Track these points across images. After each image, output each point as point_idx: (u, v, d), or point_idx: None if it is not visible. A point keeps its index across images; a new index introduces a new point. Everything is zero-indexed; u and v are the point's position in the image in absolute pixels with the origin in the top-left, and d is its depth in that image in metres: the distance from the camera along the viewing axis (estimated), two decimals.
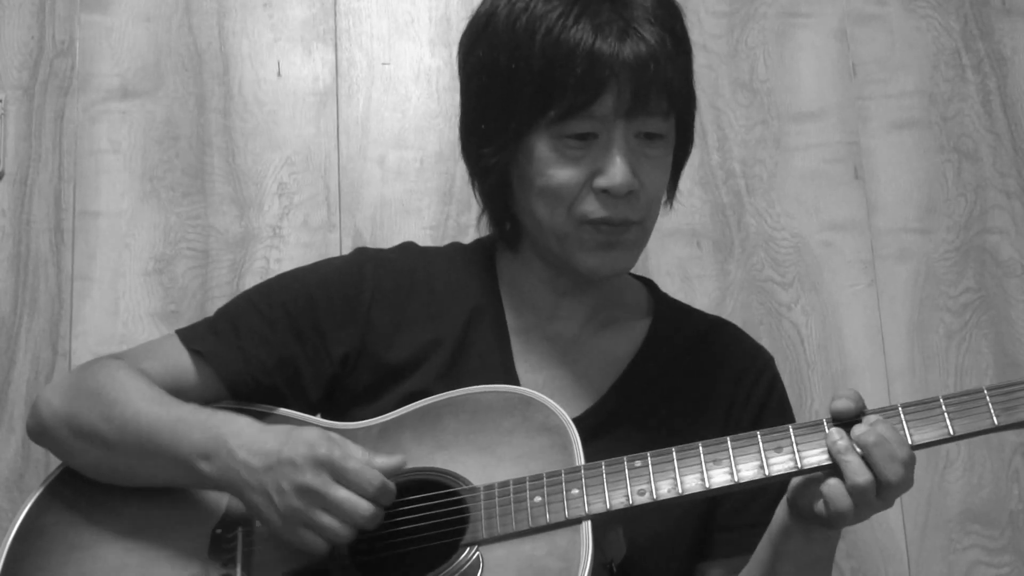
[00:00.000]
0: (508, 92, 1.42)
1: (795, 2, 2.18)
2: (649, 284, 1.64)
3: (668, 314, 1.59)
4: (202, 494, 1.40)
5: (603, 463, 1.31)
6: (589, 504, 1.28)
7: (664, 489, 1.28)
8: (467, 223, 2.02)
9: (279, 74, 2.10)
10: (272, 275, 1.62)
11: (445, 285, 1.54)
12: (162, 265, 2.01)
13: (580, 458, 1.32)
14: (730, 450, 1.29)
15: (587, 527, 1.27)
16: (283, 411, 1.47)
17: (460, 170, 2.01)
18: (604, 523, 1.29)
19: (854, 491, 1.24)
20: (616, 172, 1.39)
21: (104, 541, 1.39)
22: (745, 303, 2.05)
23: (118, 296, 1.99)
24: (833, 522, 1.27)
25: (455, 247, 1.64)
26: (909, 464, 1.25)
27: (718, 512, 1.47)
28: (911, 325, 2.06)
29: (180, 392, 1.45)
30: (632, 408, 1.48)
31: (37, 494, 1.44)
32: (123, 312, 1.99)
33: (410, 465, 1.36)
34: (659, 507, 1.28)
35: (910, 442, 1.26)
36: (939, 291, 2.08)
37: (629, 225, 1.43)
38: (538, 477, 1.31)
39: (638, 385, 1.50)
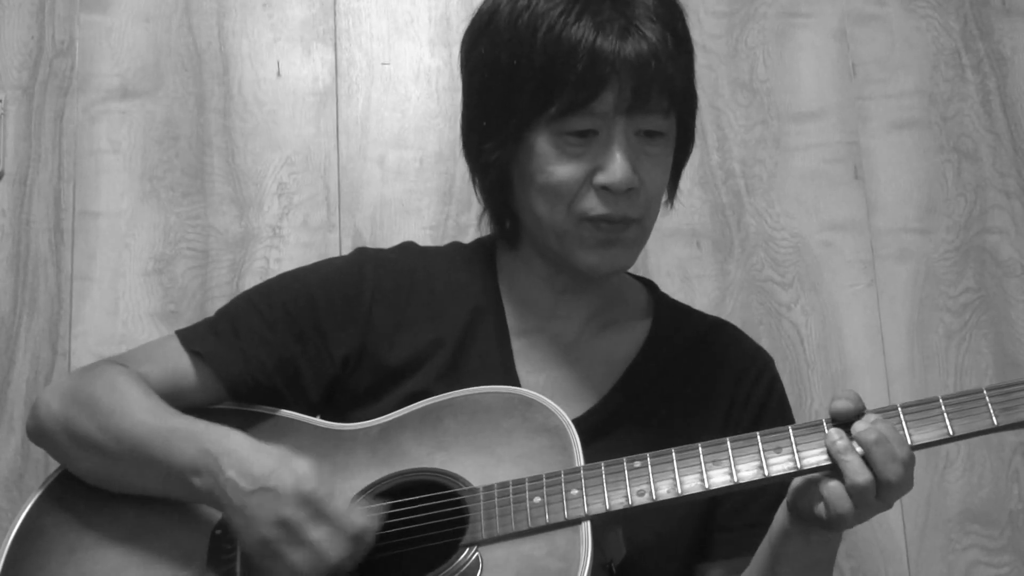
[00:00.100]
0: (509, 89, 1.42)
1: (795, 2, 2.18)
2: (649, 285, 1.64)
3: (668, 315, 1.59)
4: None
5: (602, 464, 1.31)
6: (588, 504, 1.28)
7: (663, 490, 1.28)
8: (467, 223, 2.02)
9: (279, 74, 2.10)
10: (272, 275, 1.61)
11: (445, 285, 1.54)
12: (162, 265, 2.01)
13: (580, 459, 1.32)
14: (729, 451, 1.29)
15: (586, 527, 1.27)
16: (284, 412, 1.47)
17: (460, 170, 2.02)
18: (603, 523, 1.29)
19: (854, 491, 1.24)
20: (616, 169, 1.39)
21: (104, 542, 1.39)
22: (745, 303, 2.05)
23: (118, 296, 1.99)
24: (833, 524, 1.27)
25: (455, 247, 1.64)
26: (909, 464, 1.25)
27: (718, 512, 1.47)
28: (911, 325, 2.06)
29: (180, 393, 1.45)
30: (632, 409, 1.48)
31: (37, 495, 1.44)
32: (123, 312, 1.99)
33: (410, 466, 1.36)
34: (659, 508, 1.28)
35: (910, 442, 1.26)
36: (939, 291, 2.08)
37: (629, 223, 1.43)
38: (537, 478, 1.31)
39: (638, 386, 1.50)
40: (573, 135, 1.40)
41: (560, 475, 1.31)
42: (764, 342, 1.82)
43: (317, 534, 1.25)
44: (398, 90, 2.11)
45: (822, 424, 1.29)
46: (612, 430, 1.46)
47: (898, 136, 2.14)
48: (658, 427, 1.47)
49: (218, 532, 1.37)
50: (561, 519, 1.28)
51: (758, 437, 1.29)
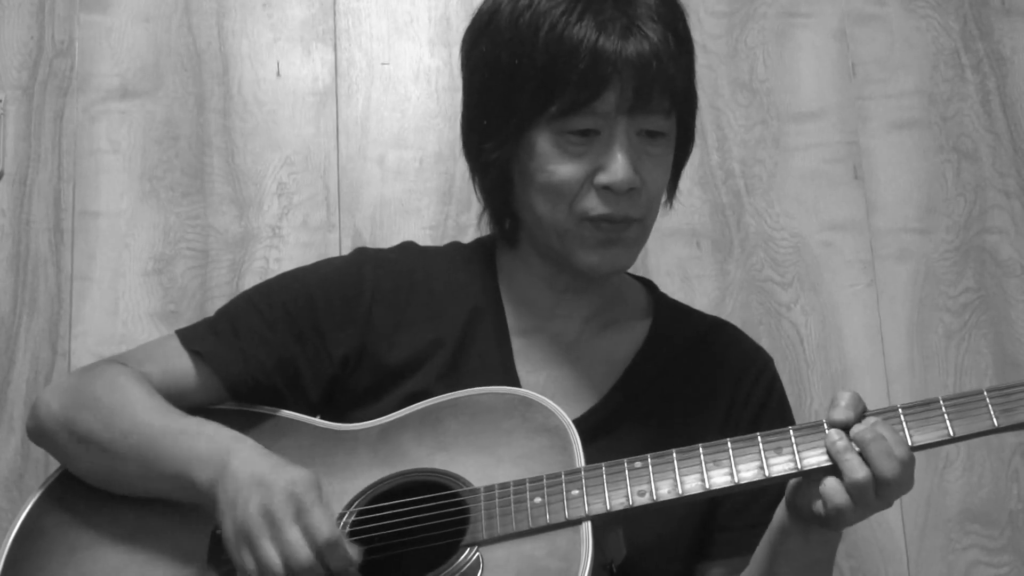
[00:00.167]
0: (510, 88, 1.42)
1: (795, 2, 2.18)
2: (649, 285, 1.64)
3: (668, 315, 1.59)
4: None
5: (603, 464, 1.31)
6: (589, 505, 1.28)
7: (664, 490, 1.28)
8: (467, 223, 2.02)
9: (278, 74, 2.10)
10: (272, 275, 1.62)
11: (445, 285, 1.54)
12: (162, 265, 2.01)
13: (580, 459, 1.32)
14: (730, 451, 1.29)
15: (587, 527, 1.27)
16: (284, 413, 1.47)
17: (460, 170, 2.01)
18: (604, 524, 1.29)
19: (852, 488, 1.24)
20: (618, 168, 1.39)
21: (104, 542, 1.39)
22: (745, 303, 2.06)
23: (118, 296, 1.99)
24: (831, 521, 1.27)
25: (455, 247, 1.64)
26: (907, 463, 1.25)
27: (718, 512, 1.47)
28: (911, 325, 2.06)
29: (180, 393, 1.45)
30: (632, 409, 1.48)
31: (37, 495, 1.44)
32: (123, 312, 1.99)
33: (410, 466, 1.36)
34: (659, 508, 1.28)
35: (910, 443, 1.26)
36: (939, 291, 2.08)
37: (630, 222, 1.43)
38: (538, 478, 1.31)
39: (638, 385, 1.51)
40: (574, 134, 1.40)
41: (561, 475, 1.31)
42: (764, 342, 1.82)
43: (292, 534, 1.24)
44: (398, 90, 2.11)
45: (822, 425, 1.29)
46: (612, 430, 1.46)
47: (898, 136, 2.14)
48: (658, 427, 1.47)
49: (218, 532, 1.36)
50: (562, 519, 1.28)
51: (759, 438, 1.30)
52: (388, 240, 1.87)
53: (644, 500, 1.28)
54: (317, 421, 1.47)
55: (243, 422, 1.43)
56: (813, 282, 2.07)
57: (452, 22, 2.12)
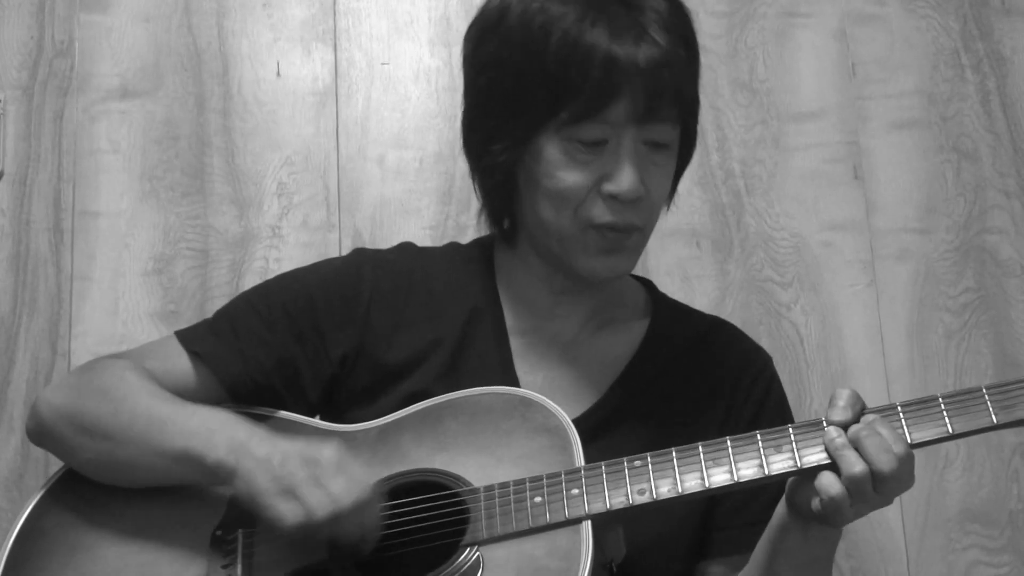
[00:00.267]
0: (519, 91, 1.41)
1: (795, 2, 2.18)
2: (648, 284, 1.64)
3: (667, 314, 1.59)
4: (203, 495, 1.40)
5: (603, 464, 1.31)
6: (589, 504, 1.28)
7: (664, 489, 1.28)
8: (466, 223, 2.02)
9: (278, 74, 2.10)
10: (272, 275, 1.62)
11: (444, 285, 1.54)
12: (162, 265, 2.01)
13: (580, 458, 1.32)
14: (730, 450, 1.29)
15: (587, 527, 1.28)
16: (283, 414, 1.47)
17: (459, 170, 2.02)
18: (604, 523, 1.29)
19: (850, 483, 1.25)
20: (625, 179, 1.40)
21: (105, 543, 1.39)
22: (744, 303, 2.06)
23: (118, 296, 1.99)
24: (830, 517, 1.28)
25: (453, 247, 1.64)
26: (904, 459, 1.26)
27: (718, 511, 1.47)
28: (910, 325, 2.06)
29: (179, 394, 1.45)
30: (631, 408, 1.48)
31: (38, 496, 1.44)
32: (123, 312, 1.99)
33: (410, 467, 1.36)
34: (659, 507, 1.29)
35: (909, 440, 1.27)
36: (938, 291, 2.08)
37: (632, 231, 1.44)
38: (538, 478, 1.31)
39: (637, 385, 1.51)
40: (583, 143, 1.40)
41: (560, 475, 1.31)
42: (764, 342, 1.82)
43: (337, 481, 1.27)
44: (398, 90, 2.11)
45: (822, 423, 1.29)
46: (611, 429, 1.46)
47: (898, 136, 2.14)
48: (657, 426, 1.47)
49: (218, 533, 1.37)
50: (562, 518, 1.28)
51: (758, 436, 1.30)
52: (388, 240, 1.87)
53: (644, 499, 1.28)
54: (316, 422, 1.47)
55: None
56: (813, 282, 2.07)
57: (452, 22, 2.12)
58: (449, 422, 1.40)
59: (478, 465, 1.35)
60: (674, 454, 1.30)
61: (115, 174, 2.04)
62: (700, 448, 1.30)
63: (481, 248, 1.60)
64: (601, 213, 1.41)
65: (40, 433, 1.46)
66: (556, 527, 1.28)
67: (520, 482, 1.32)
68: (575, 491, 1.29)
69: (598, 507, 1.28)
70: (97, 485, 1.43)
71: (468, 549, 1.29)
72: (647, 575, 1.41)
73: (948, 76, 2.16)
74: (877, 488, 1.25)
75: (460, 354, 1.49)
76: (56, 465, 1.48)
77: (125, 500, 1.42)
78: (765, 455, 1.28)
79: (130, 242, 2.01)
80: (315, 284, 1.52)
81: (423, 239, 1.98)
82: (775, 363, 1.59)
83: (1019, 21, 2.19)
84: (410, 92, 2.11)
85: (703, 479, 1.28)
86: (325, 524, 1.27)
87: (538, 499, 1.30)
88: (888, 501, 1.28)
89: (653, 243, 1.49)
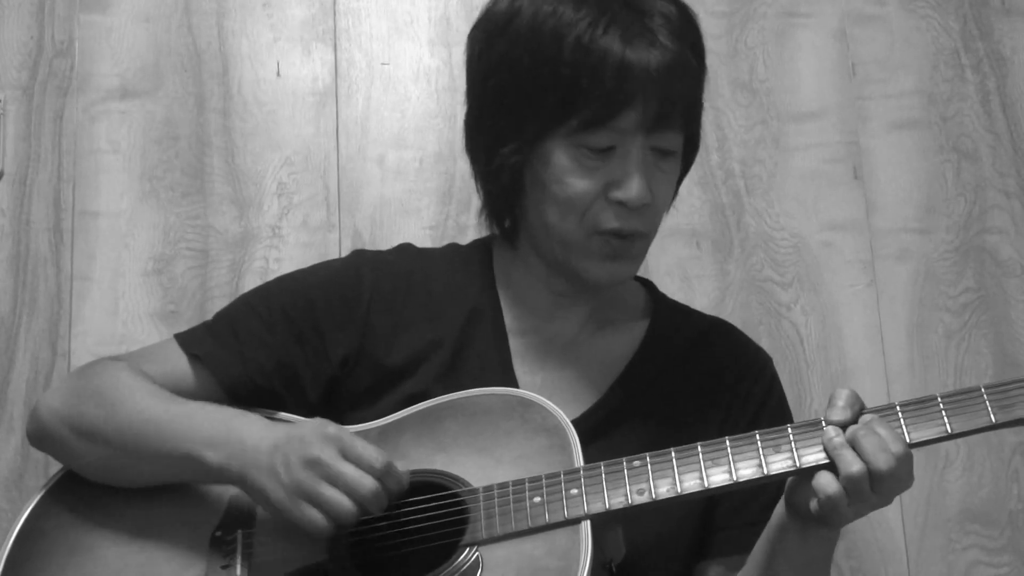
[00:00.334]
0: (529, 94, 1.41)
1: (795, 2, 2.18)
2: (648, 285, 1.64)
3: (666, 315, 1.59)
4: (202, 496, 1.40)
5: (602, 464, 1.31)
6: (588, 504, 1.29)
7: (663, 489, 1.28)
8: (466, 223, 2.02)
9: (278, 74, 2.10)
10: (272, 275, 1.62)
11: (443, 286, 1.54)
12: (161, 265, 2.01)
13: (579, 459, 1.32)
14: (729, 450, 1.29)
15: (586, 527, 1.28)
16: (282, 415, 1.47)
17: (459, 170, 2.02)
18: (603, 523, 1.29)
19: (848, 482, 1.25)
20: (633, 186, 1.40)
21: (105, 543, 1.39)
22: (744, 303, 2.05)
23: (118, 296, 1.99)
24: (828, 518, 1.28)
25: (453, 248, 1.65)
26: (902, 458, 1.25)
27: (717, 511, 1.47)
28: (910, 325, 2.06)
29: (179, 395, 1.45)
30: (631, 409, 1.48)
31: (38, 497, 1.44)
32: (122, 312, 1.99)
33: (410, 467, 1.36)
34: (658, 507, 1.29)
35: (908, 440, 1.27)
36: (938, 291, 2.08)
37: (636, 237, 1.44)
38: (537, 478, 1.32)
39: (637, 386, 1.51)
40: (591, 150, 1.40)
41: (560, 475, 1.31)
42: (764, 342, 1.82)
43: (348, 468, 1.27)
44: (398, 90, 2.11)
45: (820, 423, 1.29)
46: (611, 430, 1.46)
47: (898, 136, 2.14)
48: (657, 427, 1.47)
49: (218, 533, 1.37)
50: (561, 518, 1.28)
51: (757, 436, 1.30)
52: (388, 240, 1.87)
53: (643, 499, 1.28)
54: None
55: None
56: (813, 282, 2.07)
57: (452, 22, 2.12)
58: (448, 423, 1.40)
59: (477, 465, 1.36)
60: (673, 454, 1.30)
61: (115, 174, 2.04)
62: (699, 448, 1.30)
63: (480, 249, 1.60)
64: (607, 219, 1.42)
65: (40, 437, 1.47)
66: (555, 527, 1.28)
67: (519, 482, 1.32)
68: (574, 491, 1.29)
69: (597, 507, 1.28)
70: (97, 485, 1.43)
71: (467, 549, 1.29)
72: (646, 575, 1.41)
73: (948, 76, 2.16)
74: (875, 487, 1.25)
75: (459, 355, 1.49)
76: (56, 465, 1.48)
77: (125, 500, 1.42)
78: (764, 455, 1.28)
79: (130, 242, 2.01)
80: (315, 286, 1.52)
81: (423, 239, 1.98)
82: (775, 363, 1.60)
83: (1019, 21, 2.18)
84: (410, 92, 2.11)
85: (702, 479, 1.28)
86: (357, 511, 1.28)
87: (537, 499, 1.30)
88: (887, 501, 1.28)
89: (653, 243, 1.49)
